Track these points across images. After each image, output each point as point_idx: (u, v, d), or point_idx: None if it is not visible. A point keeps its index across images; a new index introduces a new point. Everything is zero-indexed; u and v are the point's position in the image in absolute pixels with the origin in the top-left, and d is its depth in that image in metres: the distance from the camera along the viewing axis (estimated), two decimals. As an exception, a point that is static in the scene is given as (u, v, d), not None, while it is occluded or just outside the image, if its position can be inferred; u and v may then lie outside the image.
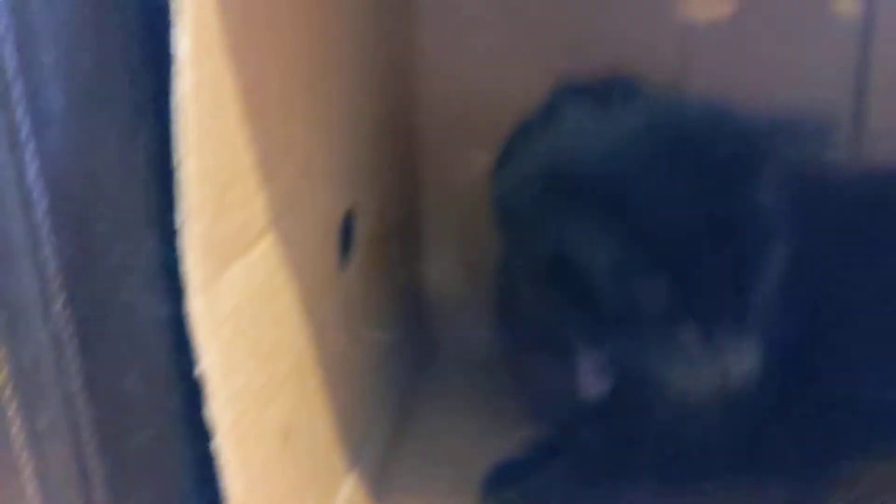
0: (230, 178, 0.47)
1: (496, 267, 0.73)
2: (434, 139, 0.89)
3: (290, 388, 0.57)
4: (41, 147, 0.39)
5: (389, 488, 0.75)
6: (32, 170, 0.38)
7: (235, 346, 0.49)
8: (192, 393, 0.48)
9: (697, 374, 0.59)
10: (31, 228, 0.39)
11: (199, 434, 0.49)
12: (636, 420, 0.64)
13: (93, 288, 0.41)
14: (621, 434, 0.66)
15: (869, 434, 0.64)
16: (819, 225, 0.64)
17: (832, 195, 0.68)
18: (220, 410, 0.47)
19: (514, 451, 0.73)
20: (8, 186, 0.38)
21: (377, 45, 0.74)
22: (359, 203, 0.70)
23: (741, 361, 0.57)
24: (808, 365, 0.62)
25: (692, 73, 0.85)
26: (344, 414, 0.68)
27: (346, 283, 0.69)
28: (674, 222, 0.56)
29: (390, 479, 0.76)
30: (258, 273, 0.52)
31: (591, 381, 0.63)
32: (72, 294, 0.40)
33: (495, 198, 0.65)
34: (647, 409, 0.63)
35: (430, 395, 0.87)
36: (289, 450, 0.58)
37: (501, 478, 0.70)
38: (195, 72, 0.42)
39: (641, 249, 0.56)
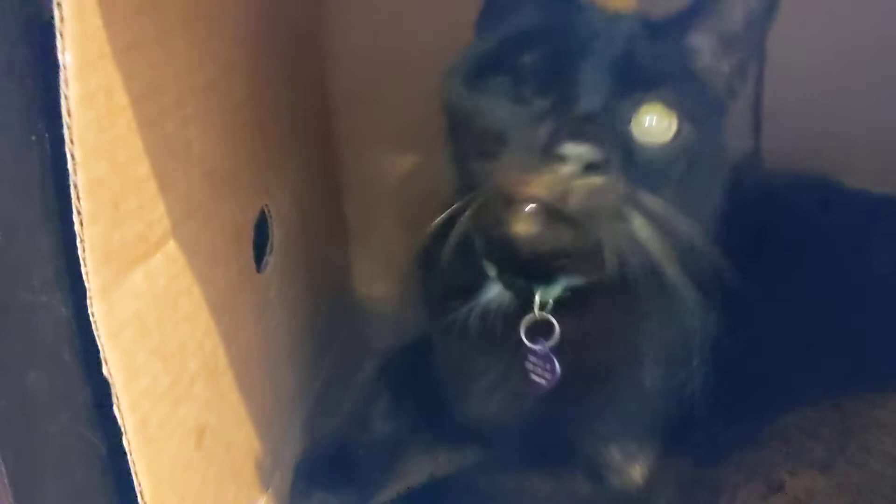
0: (125, 187, 0.49)
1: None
2: (353, 140, 0.90)
3: (202, 388, 0.59)
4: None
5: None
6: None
7: (139, 348, 0.51)
8: (99, 392, 0.49)
9: None
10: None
11: (108, 432, 0.50)
12: None
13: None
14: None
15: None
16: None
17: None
18: (127, 410, 0.49)
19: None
20: None
21: (285, 43, 0.76)
22: (272, 205, 0.71)
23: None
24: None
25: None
26: (263, 414, 0.69)
27: (264, 283, 0.70)
28: None
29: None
30: (161, 278, 0.53)
31: (541, 372, 0.66)
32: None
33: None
34: None
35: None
36: (204, 449, 0.59)
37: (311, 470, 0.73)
38: (81, 84, 0.44)
39: None
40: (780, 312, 0.68)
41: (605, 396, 0.67)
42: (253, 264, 0.68)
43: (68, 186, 0.44)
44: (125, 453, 0.50)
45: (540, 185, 0.54)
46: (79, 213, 0.44)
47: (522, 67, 0.58)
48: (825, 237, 0.70)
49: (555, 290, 0.65)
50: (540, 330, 0.65)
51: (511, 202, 0.55)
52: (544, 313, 0.65)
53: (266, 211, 0.70)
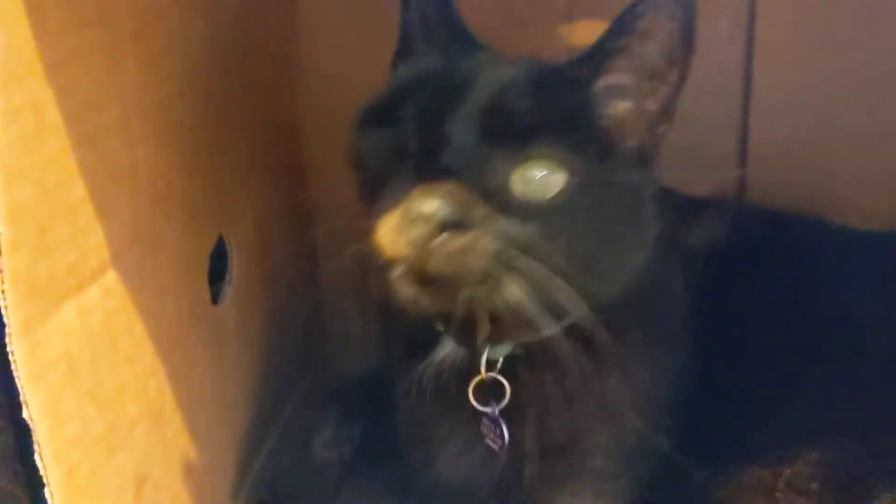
0: (54, 214, 0.44)
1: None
2: (323, 161, 0.86)
3: (143, 435, 0.54)
4: None
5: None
6: None
7: (68, 391, 0.46)
8: (21, 436, 0.44)
9: None
10: None
11: (30, 481, 0.45)
12: None
13: None
14: None
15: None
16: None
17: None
18: (50, 460, 0.44)
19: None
20: None
21: (251, 61, 0.72)
22: (232, 232, 0.67)
23: None
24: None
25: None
26: (215, 460, 0.64)
27: (220, 316, 0.66)
28: None
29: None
30: (96, 314, 0.49)
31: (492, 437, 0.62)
32: None
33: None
34: None
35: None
36: (143, 501, 0.54)
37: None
38: (5, 99, 0.39)
39: None
40: (762, 354, 0.65)
41: (574, 455, 0.62)
42: (208, 296, 0.63)
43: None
44: (50, 505, 0.45)
45: (399, 246, 0.50)
46: (-1, 241, 0.40)
47: (402, 118, 0.54)
48: (810, 275, 0.68)
49: (503, 349, 0.59)
50: (494, 390, 0.60)
51: (383, 262, 0.52)
52: (493, 374, 0.60)
53: (226, 238, 0.66)
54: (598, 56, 0.55)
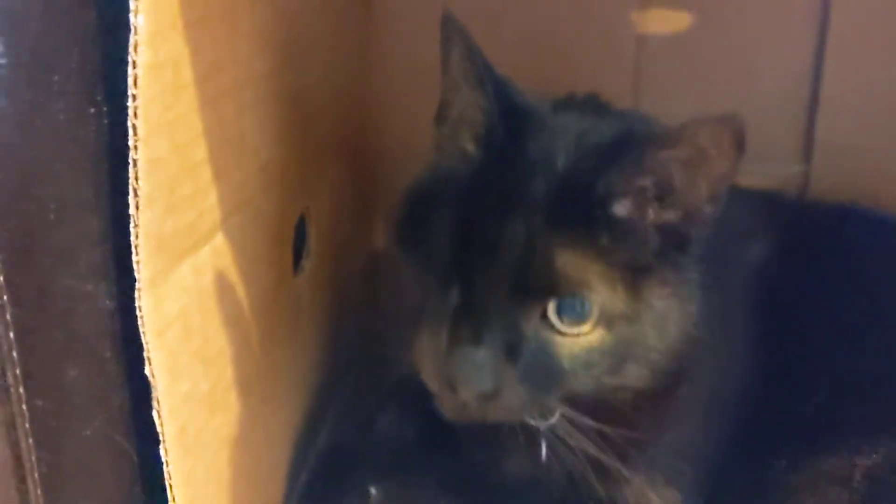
0: (182, 170, 0.44)
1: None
2: (391, 153, 0.86)
3: (236, 398, 0.54)
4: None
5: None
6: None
7: (183, 349, 0.46)
8: (137, 393, 0.45)
9: None
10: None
11: (142, 438, 0.46)
12: None
13: (32, 272, 0.37)
14: None
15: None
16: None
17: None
18: (167, 416, 0.44)
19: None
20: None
21: (335, 48, 0.72)
22: (312, 208, 0.67)
23: None
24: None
25: (645, 86, 0.85)
26: (287, 434, 0.65)
27: (298, 290, 0.66)
28: None
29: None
30: (207, 273, 0.49)
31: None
32: (9, 276, 0.36)
33: None
34: None
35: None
36: (235, 465, 0.54)
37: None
38: (151, 52, 0.40)
39: None
40: (839, 346, 0.65)
41: (641, 451, 0.62)
42: (291, 267, 0.64)
43: (124, 166, 0.40)
44: (156, 464, 0.45)
45: (443, 402, 0.55)
46: (136, 194, 0.40)
47: (432, 247, 0.55)
48: (882, 267, 0.68)
49: None
50: None
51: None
52: None
53: (306, 213, 0.66)
54: (639, 161, 0.53)
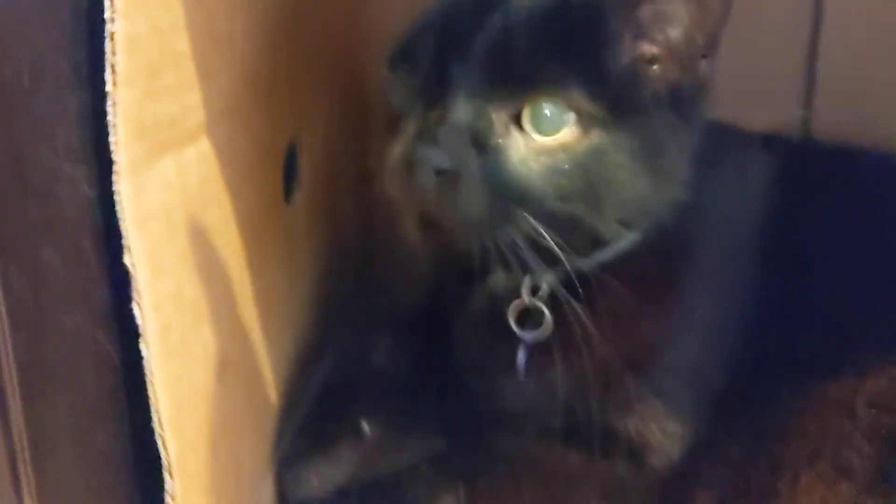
0: (163, 57, 0.43)
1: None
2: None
3: (226, 315, 0.53)
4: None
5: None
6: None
7: (165, 246, 0.45)
8: (120, 292, 0.43)
9: None
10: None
11: (126, 340, 0.44)
12: None
13: (6, 139, 0.36)
14: None
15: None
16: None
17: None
18: (149, 311, 0.43)
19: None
20: None
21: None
22: (304, 136, 0.65)
23: None
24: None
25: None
26: (282, 363, 0.63)
27: (290, 217, 0.65)
28: None
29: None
30: (192, 175, 0.48)
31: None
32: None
33: None
34: None
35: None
36: (224, 385, 0.53)
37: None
38: (128, -79, 0.38)
39: None
40: (838, 279, 0.63)
41: (637, 377, 0.61)
42: (282, 194, 0.62)
43: (103, 44, 0.39)
44: (140, 367, 0.44)
45: (402, 190, 0.51)
46: (113, 70, 0.39)
47: (418, 57, 0.53)
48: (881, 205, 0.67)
49: (547, 275, 0.57)
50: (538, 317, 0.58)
51: (392, 205, 0.53)
52: (534, 299, 0.58)
53: (297, 142, 0.65)
54: None
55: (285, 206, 0.63)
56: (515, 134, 0.51)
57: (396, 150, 0.51)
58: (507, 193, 0.50)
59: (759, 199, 0.66)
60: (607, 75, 0.52)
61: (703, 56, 0.54)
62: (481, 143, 0.50)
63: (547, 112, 0.50)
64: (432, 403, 0.68)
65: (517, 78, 0.51)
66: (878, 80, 0.79)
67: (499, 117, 0.51)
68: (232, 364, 0.54)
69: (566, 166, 0.51)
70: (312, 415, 0.66)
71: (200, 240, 0.49)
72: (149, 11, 0.41)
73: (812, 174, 0.69)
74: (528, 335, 0.59)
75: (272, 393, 0.62)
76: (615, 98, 0.51)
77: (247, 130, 0.55)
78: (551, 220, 0.51)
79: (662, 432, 0.61)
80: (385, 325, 0.75)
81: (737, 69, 0.80)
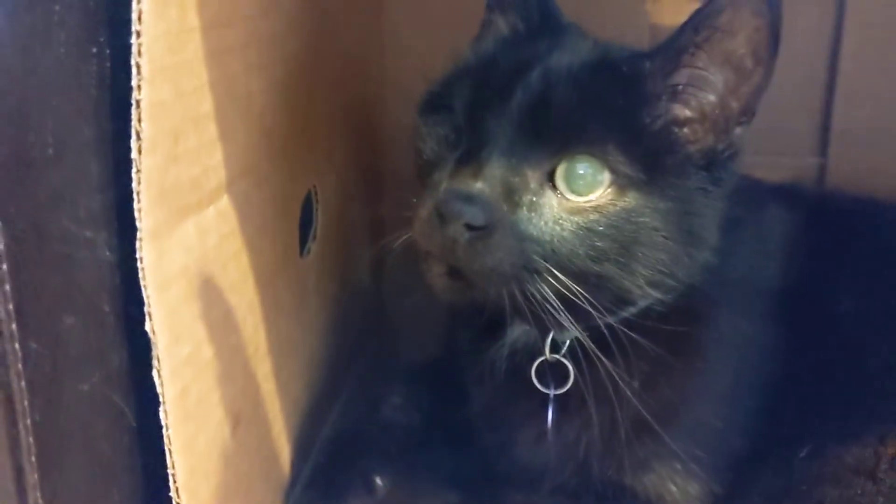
0: (186, 121, 0.43)
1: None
2: (401, 142, 0.84)
3: (241, 371, 0.52)
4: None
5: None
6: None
7: (185, 309, 0.44)
8: (136, 355, 0.43)
9: None
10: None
11: (141, 402, 0.44)
12: None
13: (28, 207, 0.36)
14: None
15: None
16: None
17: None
18: (167, 377, 0.42)
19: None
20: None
21: (346, 25, 0.71)
22: (320, 187, 0.65)
23: None
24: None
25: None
26: (295, 413, 0.63)
27: (304, 270, 0.64)
28: None
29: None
30: (212, 235, 0.47)
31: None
32: (4, 207, 0.35)
33: None
34: None
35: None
36: (238, 440, 0.52)
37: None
38: (156, -11, 0.38)
39: None
40: (858, 338, 0.63)
41: (658, 435, 0.60)
42: (297, 245, 0.62)
43: (126, 111, 0.38)
44: (154, 429, 0.43)
45: (432, 242, 0.51)
46: (138, 136, 0.39)
47: (456, 107, 0.54)
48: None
49: (571, 331, 0.55)
50: (561, 372, 0.58)
51: (421, 253, 0.53)
52: (557, 356, 0.58)
53: (313, 192, 0.65)
54: (675, 49, 0.52)
55: (298, 258, 0.63)
56: (549, 193, 0.51)
57: (428, 201, 0.51)
58: (539, 251, 0.50)
59: (778, 258, 0.66)
60: (643, 137, 0.52)
61: (739, 123, 0.54)
62: (515, 201, 0.50)
63: (582, 171, 0.50)
64: (445, 458, 0.67)
65: (555, 136, 0.51)
66: (893, 128, 0.80)
67: (533, 175, 0.51)
68: (245, 419, 0.53)
69: (599, 227, 0.51)
70: (323, 467, 0.65)
71: (217, 299, 0.49)
72: (173, 77, 0.41)
73: (831, 231, 0.69)
74: (549, 391, 0.58)
75: (284, 443, 0.61)
76: (650, 160, 0.51)
77: (265, 186, 0.55)
78: (581, 278, 0.51)
79: (681, 493, 0.61)
80: (397, 376, 0.75)
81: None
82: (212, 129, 0.46)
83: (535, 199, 0.51)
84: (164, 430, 0.43)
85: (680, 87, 0.53)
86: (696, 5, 0.81)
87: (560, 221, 0.51)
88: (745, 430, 0.62)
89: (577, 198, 0.51)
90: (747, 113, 0.54)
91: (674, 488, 0.60)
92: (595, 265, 0.51)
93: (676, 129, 0.53)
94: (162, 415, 0.42)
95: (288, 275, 0.61)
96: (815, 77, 0.81)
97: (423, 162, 0.56)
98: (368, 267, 0.81)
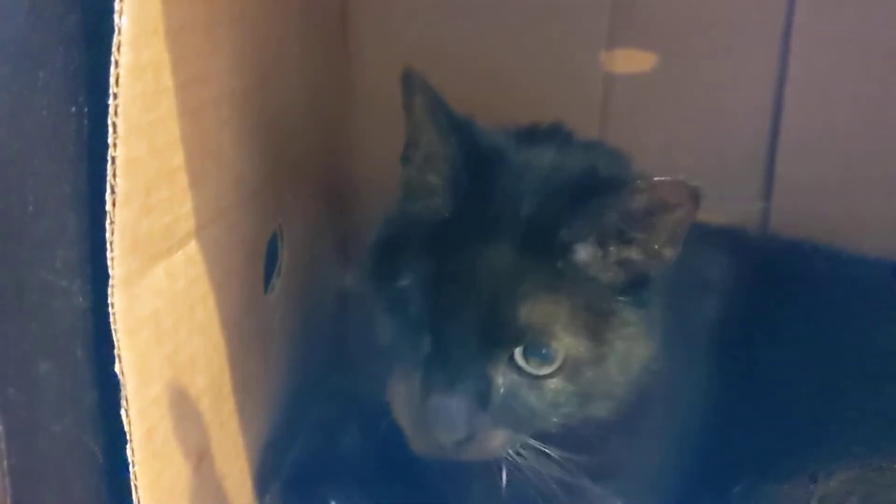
0: (159, 174, 0.45)
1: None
2: (367, 182, 0.87)
3: (206, 408, 0.54)
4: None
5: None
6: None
7: (153, 351, 0.47)
8: (106, 396, 0.45)
9: None
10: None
11: (110, 441, 0.46)
12: None
13: (9, 263, 0.38)
14: None
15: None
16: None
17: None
18: (135, 417, 0.44)
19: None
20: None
21: (313, 75, 0.74)
22: (286, 228, 0.68)
23: None
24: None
25: (612, 124, 0.87)
26: (256, 450, 0.65)
27: (269, 308, 0.67)
28: None
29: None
30: (181, 279, 0.50)
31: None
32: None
33: None
34: None
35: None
36: (201, 476, 0.54)
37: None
38: (134, 54, 0.41)
39: None
40: (790, 379, 0.66)
41: (601, 482, 0.63)
42: (262, 285, 0.64)
43: (103, 167, 0.41)
44: (124, 467, 0.45)
45: (421, 444, 0.55)
46: (113, 191, 0.41)
47: (404, 292, 0.56)
48: (836, 300, 0.70)
49: None
50: None
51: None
52: None
53: (279, 231, 0.67)
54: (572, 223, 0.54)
55: (263, 297, 0.65)
56: (513, 376, 0.54)
57: (403, 389, 0.55)
58: (517, 430, 0.55)
59: (713, 300, 0.69)
60: (583, 291, 0.55)
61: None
62: (489, 399, 0.54)
63: (538, 352, 0.54)
64: (400, 489, 0.70)
65: (512, 329, 0.54)
66: (836, 176, 0.84)
67: (497, 369, 0.54)
68: (208, 456, 0.55)
69: (563, 395, 0.55)
70: (283, 494, 0.67)
71: (185, 341, 0.51)
72: (148, 134, 0.44)
73: (768, 275, 0.72)
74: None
75: (246, 477, 0.63)
76: (591, 314, 0.55)
77: (233, 230, 0.57)
78: (551, 435, 0.56)
79: None
80: (355, 408, 0.77)
81: (697, 161, 0.86)
82: (183, 180, 0.48)
83: (503, 390, 0.54)
84: (130, 468, 0.45)
85: (608, 238, 0.55)
86: (649, 55, 0.86)
87: (528, 400, 0.55)
88: (684, 473, 0.65)
89: (536, 371, 0.54)
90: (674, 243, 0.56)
91: None
92: (564, 420, 0.56)
93: (609, 274, 0.56)
94: (129, 453, 0.45)
95: (254, 314, 0.63)
96: (760, 125, 0.84)
97: (384, 334, 0.58)
98: (333, 302, 0.83)
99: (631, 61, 0.86)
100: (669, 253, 0.56)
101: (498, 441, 0.55)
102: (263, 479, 0.67)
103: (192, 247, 0.51)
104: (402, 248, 0.57)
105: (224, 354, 0.57)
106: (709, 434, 0.65)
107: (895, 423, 0.62)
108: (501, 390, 0.54)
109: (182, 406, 0.50)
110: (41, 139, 0.39)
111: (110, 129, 0.40)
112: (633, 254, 0.55)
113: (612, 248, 0.55)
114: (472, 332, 0.54)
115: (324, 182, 0.79)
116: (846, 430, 0.63)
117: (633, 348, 0.57)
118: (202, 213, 0.51)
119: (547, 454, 0.57)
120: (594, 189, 0.55)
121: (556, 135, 0.64)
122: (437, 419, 0.53)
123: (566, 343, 0.54)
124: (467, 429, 0.53)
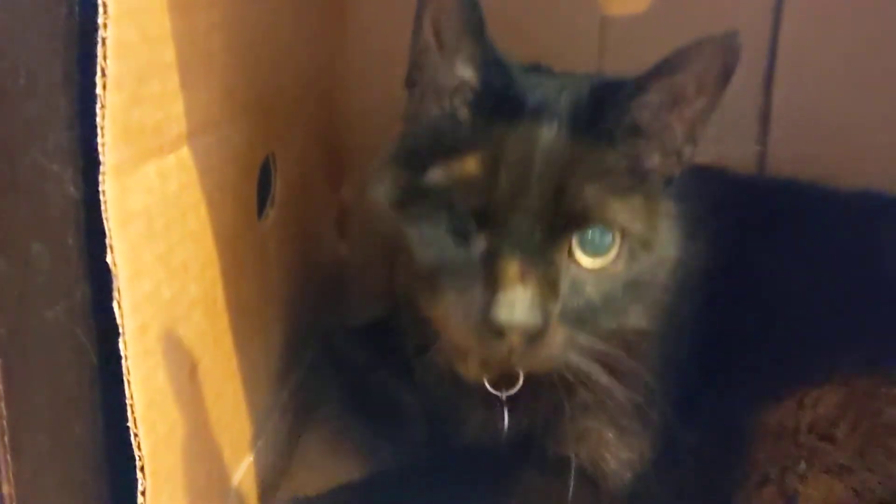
0: (150, 65, 0.45)
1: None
2: (363, 113, 0.87)
3: (199, 319, 0.54)
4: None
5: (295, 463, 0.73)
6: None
7: (145, 247, 0.46)
8: (99, 291, 0.44)
9: None
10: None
11: (103, 337, 0.45)
12: None
13: (3, 140, 0.38)
14: None
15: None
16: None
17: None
18: (128, 311, 0.44)
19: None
20: None
21: (308, 6, 0.74)
22: (279, 153, 0.68)
23: None
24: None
25: (609, 67, 0.87)
26: (253, 373, 0.64)
27: (263, 236, 0.66)
28: None
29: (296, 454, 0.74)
30: (173, 182, 0.49)
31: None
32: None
33: None
34: None
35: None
36: (196, 385, 0.54)
37: None
38: (123, -65, 0.41)
39: None
40: (782, 310, 0.66)
41: (594, 413, 0.64)
42: (255, 210, 0.64)
43: (94, 48, 0.41)
44: (115, 364, 0.45)
45: (484, 353, 0.55)
46: (103, 73, 0.41)
47: (455, 203, 0.55)
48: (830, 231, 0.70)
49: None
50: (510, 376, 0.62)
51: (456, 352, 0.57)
52: None
53: (271, 159, 0.67)
54: (635, 89, 0.56)
55: (258, 221, 0.65)
56: (574, 267, 0.55)
57: (461, 309, 0.54)
58: (578, 328, 0.55)
59: (713, 238, 0.69)
60: (628, 182, 0.56)
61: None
62: (555, 291, 0.54)
63: (592, 237, 0.54)
64: (399, 434, 0.71)
65: (569, 216, 0.54)
66: (832, 116, 0.84)
67: (560, 257, 0.54)
68: (202, 368, 0.55)
69: (619, 283, 0.56)
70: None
71: (177, 245, 0.50)
72: (139, 19, 0.43)
73: (764, 212, 0.72)
74: (500, 393, 0.63)
75: (242, 403, 0.63)
76: (638, 201, 0.56)
77: (224, 144, 0.57)
78: (607, 334, 0.57)
79: (615, 459, 0.64)
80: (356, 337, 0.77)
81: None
82: (174, 79, 0.48)
83: (568, 279, 0.54)
84: (123, 361, 0.44)
85: (638, 128, 0.57)
86: (645, 0, 0.86)
87: (589, 293, 0.55)
88: (679, 398, 0.65)
89: (594, 261, 0.55)
90: (698, 136, 0.58)
91: (608, 456, 0.64)
92: (618, 318, 0.57)
93: (640, 165, 0.57)
94: (122, 346, 0.44)
95: (247, 237, 0.62)
96: (754, 66, 0.85)
97: (421, 266, 0.57)
98: (330, 244, 0.83)
99: (627, 2, 0.86)
100: (689, 151, 0.58)
101: (561, 338, 0.54)
102: (262, 415, 0.66)
103: (184, 152, 0.51)
104: (431, 162, 0.56)
105: (217, 268, 0.57)
106: (703, 364, 0.65)
107: (882, 346, 0.63)
108: (567, 281, 0.54)
109: (175, 309, 0.50)
110: (32, 11, 0.39)
111: (101, 9, 0.40)
112: (658, 146, 0.57)
113: (641, 141, 0.57)
114: (534, 220, 0.53)
115: (317, 114, 0.79)
116: (833, 353, 0.63)
117: (670, 242, 0.58)
118: (193, 118, 0.51)
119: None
120: (617, 86, 0.56)
121: (551, 70, 0.66)
122: (511, 312, 0.51)
123: (624, 220, 0.55)
124: (543, 316, 0.52)
